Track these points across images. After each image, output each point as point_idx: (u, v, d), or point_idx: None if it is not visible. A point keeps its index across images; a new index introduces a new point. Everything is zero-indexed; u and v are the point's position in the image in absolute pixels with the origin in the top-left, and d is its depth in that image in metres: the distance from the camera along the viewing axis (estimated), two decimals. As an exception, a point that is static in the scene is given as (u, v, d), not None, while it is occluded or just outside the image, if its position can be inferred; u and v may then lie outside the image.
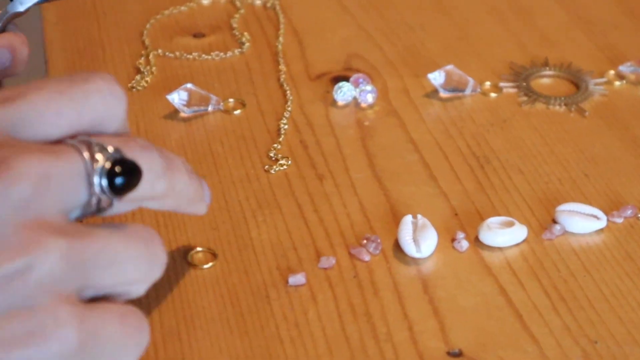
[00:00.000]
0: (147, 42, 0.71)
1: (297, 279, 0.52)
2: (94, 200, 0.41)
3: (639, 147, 0.61)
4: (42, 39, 0.72)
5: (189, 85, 0.64)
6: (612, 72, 0.67)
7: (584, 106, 0.65)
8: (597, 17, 0.73)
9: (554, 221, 0.55)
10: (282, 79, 0.67)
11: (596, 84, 0.66)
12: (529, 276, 0.52)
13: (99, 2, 0.76)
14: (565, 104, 0.65)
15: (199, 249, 0.54)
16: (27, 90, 0.42)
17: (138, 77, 0.67)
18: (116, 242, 0.41)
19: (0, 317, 0.38)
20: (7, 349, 0.38)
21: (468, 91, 0.65)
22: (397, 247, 0.53)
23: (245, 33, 0.72)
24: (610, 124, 0.63)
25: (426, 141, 0.62)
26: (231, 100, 0.65)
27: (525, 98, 0.65)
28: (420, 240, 0.53)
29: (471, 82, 0.65)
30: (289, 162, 0.60)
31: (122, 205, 0.42)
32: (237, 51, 0.70)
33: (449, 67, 0.65)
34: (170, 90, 0.64)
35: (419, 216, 0.54)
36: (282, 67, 0.68)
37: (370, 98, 0.64)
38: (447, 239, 0.54)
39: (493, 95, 0.66)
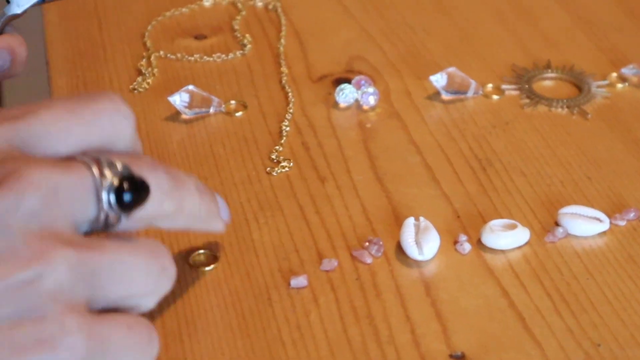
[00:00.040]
0: (148, 43, 0.71)
1: (299, 281, 0.51)
2: (102, 216, 0.42)
3: (641, 150, 0.61)
4: (43, 39, 0.72)
5: (190, 87, 0.64)
6: (614, 74, 0.67)
7: (586, 108, 0.64)
8: (600, 19, 0.73)
9: (557, 224, 0.55)
10: (283, 81, 0.67)
11: (598, 87, 0.66)
12: (532, 279, 0.52)
13: (101, 3, 0.75)
14: (568, 107, 0.65)
15: (200, 251, 0.53)
16: (37, 108, 0.42)
17: (139, 78, 0.67)
18: (125, 254, 0.42)
19: (9, 325, 0.39)
20: (17, 356, 0.39)
21: (470, 93, 0.65)
22: (400, 250, 0.53)
23: (247, 35, 0.72)
24: (613, 127, 0.63)
25: (428, 143, 0.61)
26: (233, 102, 0.65)
27: (527, 100, 0.65)
28: (423, 242, 0.53)
29: (473, 84, 0.65)
30: (291, 164, 0.60)
31: (131, 224, 0.43)
32: (238, 53, 0.70)
33: (451, 69, 0.65)
34: (172, 92, 0.64)
35: (421, 218, 0.54)
36: (284, 69, 0.68)
37: (372, 100, 0.64)
38: (450, 241, 0.54)
39: (495, 97, 0.66)
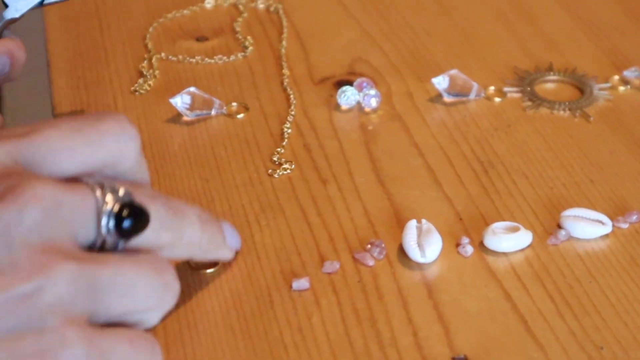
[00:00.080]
0: (149, 45, 0.71)
1: (301, 283, 0.51)
2: (99, 241, 0.42)
3: (644, 153, 0.61)
4: (44, 41, 0.72)
5: (192, 89, 0.63)
6: (616, 77, 0.67)
7: (588, 111, 0.64)
8: (602, 22, 0.73)
9: (559, 226, 0.55)
10: (285, 83, 0.67)
11: (601, 89, 0.66)
12: (534, 281, 0.52)
13: (102, 4, 0.75)
14: (570, 109, 0.64)
15: None
16: (42, 127, 0.43)
17: (141, 80, 0.67)
18: (127, 269, 0.42)
19: (10, 338, 0.39)
20: None
21: (472, 96, 0.65)
22: (402, 252, 0.53)
23: (249, 37, 0.71)
24: (615, 129, 0.63)
25: (430, 146, 0.61)
26: (234, 104, 0.65)
27: (529, 103, 0.65)
28: (425, 245, 0.52)
29: (475, 86, 0.65)
30: (293, 166, 0.59)
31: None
32: (240, 55, 0.70)
33: (453, 71, 0.65)
34: (173, 94, 0.64)
35: (424, 221, 0.54)
36: (286, 71, 0.68)
37: (374, 102, 0.64)
38: (452, 243, 0.54)
39: (497, 100, 0.65)
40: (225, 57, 0.69)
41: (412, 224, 0.54)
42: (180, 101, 0.63)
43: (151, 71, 0.68)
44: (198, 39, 0.72)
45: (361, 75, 0.67)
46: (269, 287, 0.51)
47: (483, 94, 0.66)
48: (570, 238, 0.54)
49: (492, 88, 0.66)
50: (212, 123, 0.63)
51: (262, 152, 0.61)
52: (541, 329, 0.49)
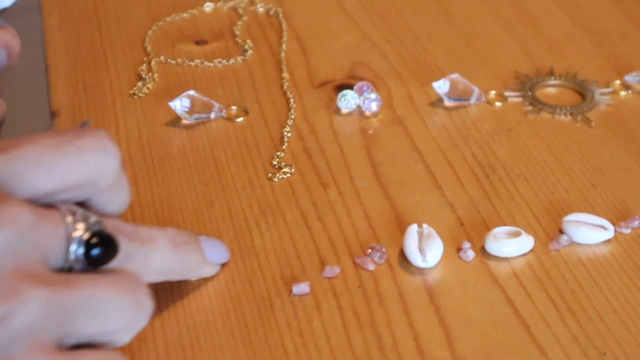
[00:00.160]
0: (149, 48, 0.70)
1: (301, 288, 0.51)
2: (67, 267, 0.41)
3: (645, 158, 0.61)
4: (43, 43, 0.71)
5: (191, 92, 0.63)
6: (617, 82, 0.67)
7: (590, 116, 0.64)
8: (603, 27, 0.73)
9: (561, 231, 0.55)
10: (285, 87, 0.66)
11: (602, 94, 0.66)
12: (536, 287, 0.51)
13: (101, 7, 0.75)
14: (571, 114, 0.64)
15: None
16: (20, 143, 0.42)
17: (140, 83, 0.67)
18: (100, 291, 0.41)
19: None
20: None
21: (473, 100, 0.65)
22: (403, 257, 0.53)
23: (248, 40, 0.71)
24: (617, 134, 0.62)
25: (431, 150, 0.61)
26: (234, 107, 0.64)
27: (530, 107, 0.65)
28: (426, 249, 0.52)
29: (476, 90, 0.65)
30: (293, 170, 0.59)
31: None
32: (239, 58, 0.69)
33: (454, 75, 0.65)
34: (172, 97, 0.63)
35: (425, 225, 0.54)
36: (285, 74, 0.68)
37: (374, 106, 0.64)
38: (453, 248, 0.54)
39: (498, 104, 0.65)
40: (224, 61, 0.69)
41: (413, 228, 0.53)
42: (179, 104, 0.63)
43: (150, 74, 0.68)
44: (197, 43, 0.71)
45: (361, 79, 0.67)
46: (269, 291, 0.51)
47: (484, 98, 0.65)
48: (572, 243, 0.54)
49: (493, 92, 0.66)
50: (211, 126, 0.63)
51: (262, 155, 0.60)
52: (543, 334, 0.49)
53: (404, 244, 0.53)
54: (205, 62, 0.69)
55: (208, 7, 0.75)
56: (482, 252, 0.53)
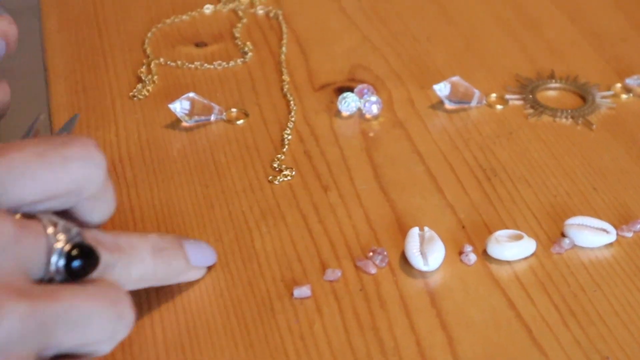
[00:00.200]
0: (148, 50, 0.70)
1: (303, 291, 0.51)
2: (46, 278, 0.41)
3: (647, 161, 0.60)
4: (42, 45, 0.71)
5: (191, 95, 0.63)
6: (618, 85, 0.67)
7: (591, 119, 0.64)
8: (604, 30, 0.73)
9: (563, 235, 0.54)
10: (285, 89, 0.66)
11: (603, 97, 0.66)
12: (538, 290, 0.51)
13: (100, 9, 0.75)
14: (572, 117, 0.64)
15: None
16: (4, 151, 0.41)
17: (139, 85, 0.66)
18: (81, 303, 0.41)
19: None
20: None
21: (474, 103, 0.65)
22: (404, 260, 0.53)
23: (248, 42, 0.71)
24: (618, 137, 0.62)
25: (432, 152, 0.61)
26: (234, 110, 0.64)
27: (531, 110, 0.65)
28: (428, 253, 0.52)
29: (477, 93, 0.65)
30: (293, 172, 0.59)
31: None
32: (239, 61, 0.69)
33: (455, 78, 0.65)
34: (172, 99, 0.63)
35: (426, 228, 0.53)
36: (286, 77, 0.67)
37: (374, 109, 0.64)
38: (455, 251, 0.53)
39: (499, 107, 0.65)
40: (224, 63, 0.69)
41: (415, 231, 0.53)
42: (179, 107, 0.62)
43: (150, 76, 0.67)
44: (197, 45, 0.71)
45: (362, 81, 0.67)
46: (270, 294, 0.51)
47: (485, 101, 0.65)
48: (574, 246, 0.54)
49: (493, 95, 0.66)
50: (211, 129, 0.63)
51: (262, 158, 0.60)
52: (546, 338, 0.48)
53: (406, 247, 0.52)
54: (205, 65, 0.69)
55: (208, 9, 0.75)
56: (484, 255, 0.53)
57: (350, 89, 0.65)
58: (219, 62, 0.69)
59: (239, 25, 0.73)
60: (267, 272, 0.52)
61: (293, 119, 0.63)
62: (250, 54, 0.70)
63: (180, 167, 0.59)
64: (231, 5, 0.75)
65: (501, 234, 0.53)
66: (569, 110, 0.64)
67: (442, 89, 0.64)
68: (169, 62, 0.69)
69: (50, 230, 0.41)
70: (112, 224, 0.55)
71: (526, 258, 0.53)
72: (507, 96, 0.66)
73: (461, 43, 0.72)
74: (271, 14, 0.75)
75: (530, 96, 0.66)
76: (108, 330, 0.41)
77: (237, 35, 0.72)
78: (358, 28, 0.73)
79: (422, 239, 0.53)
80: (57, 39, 0.72)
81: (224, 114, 0.63)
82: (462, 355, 0.47)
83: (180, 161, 0.60)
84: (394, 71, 0.68)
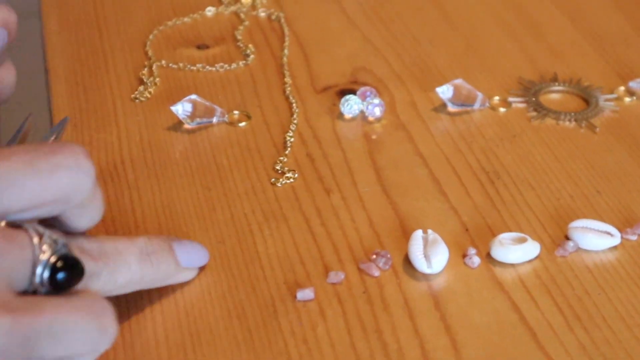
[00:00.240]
0: (150, 52, 0.70)
1: (306, 294, 0.50)
2: (31, 289, 0.41)
3: (651, 164, 0.60)
4: (43, 47, 0.71)
5: (193, 97, 0.63)
6: (622, 88, 0.67)
7: (594, 122, 0.64)
8: (607, 33, 0.72)
9: (567, 238, 0.54)
10: (287, 92, 0.66)
11: (606, 100, 0.65)
12: (543, 293, 0.51)
13: (101, 11, 0.75)
14: (576, 120, 0.64)
15: None
16: None
17: (141, 87, 0.66)
18: (64, 316, 0.40)
19: None
20: None
21: (476, 105, 0.64)
22: (407, 263, 0.52)
23: (250, 45, 0.71)
24: (622, 140, 0.62)
25: (435, 155, 0.60)
26: (236, 112, 0.64)
27: (534, 113, 0.64)
28: (431, 255, 0.52)
29: (480, 96, 0.64)
30: (296, 175, 0.59)
31: None
32: (241, 63, 0.69)
33: (458, 80, 0.64)
34: (174, 101, 0.63)
35: (430, 231, 0.53)
36: (288, 79, 0.67)
37: (377, 111, 0.63)
38: (458, 254, 0.53)
39: (502, 110, 0.65)
40: (226, 65, 0.69)
41: (418, 234, 0.53)
42: (181, 109, 0.62)
43: (152, 78, 0.67)
44: (199, 47, 0.71)
45: (364, 84, 0.67)
46: (272, 297, 0.50)
47: (488, 104, 0.65)
48: (578, 249, 0.53)
49: (496, 98, 0.65)
50: (213, 131, 0.62)
51: (264, 160, 0.60)
52: (550, 342, 0.48)
53: (409, 250, 0.52)
54: (207, 67, 0.68)
55: (209, 11, 0.75)
56: (488, 258, 0.53)
57: (353, 92, 0.65)
58: (221, 64, 0.69)
59: (241, 27, 0.73)
60: (270, 275, 0.52)
61: (295, 121, 0.63)
62: (252, 56, 0.70)
63: (182, 169, 0.59)
64: (233, 8, 0.75)
65: (505, 236, 0.53)
66: (573, 113, 0.64)
67: (445, 91, 0.64)
68: (170, 64, 0.69)
69: (35, 240, 0.41)
70: (114, 227, 0.55)
71: (530, 261, 0.53)
72: (510, 99, 0.66)
73: (463, 46, 0.71)
74: (273, 17, 0.74)
75: (534, 99, 0.65)
76: (91, 343, 0.41)
77: (239, 37, 0.72)
78: (360, 30, 0.73)
79: (425, 241, 0.53)
80: (58, 41, 0.71)
81: (226, 116, 0.63)
82: (466, 358, 0.47)
83: (182, 163, 0.60)
84: (396, 74, 0.68)
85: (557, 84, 0.67)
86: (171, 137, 0.62)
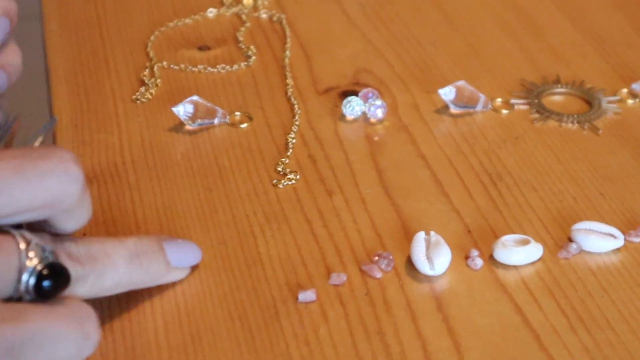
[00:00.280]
0: (151, 54, 0.70)
1: (307, 295, 0.50)
2: (15, 296, 0.41)
3: (654, 166, 0.60)
4: (44, 48, 0.70)
5: (194, 98, 0.62)
6: (625, 90, 0.66)
7: (597, 124, 0.63)
8: (609, 35, 0.72)
9: (570, 240, 0.54)
10: (289, 93, 0.66)
11: (609, 102, 0.65)
12: (546, 295, 0.50)
13: (102, 13, 0.74)
14: (579, 122, 0.63)
15: None
16: None
17: (142, 89, 0.66)
18: (49, 326, 0.40)
19: None
20: None
21: (479, 107, 0.64)
22: (410, 264, 0.52)
23: (252, 46, 0.70)
24: (625, 142, 0.62)
25: (437, 157, 0.60)
26: (238, 113, 0.64)
27: (537, 115, 0.64)
28: (434, 257, 0.51)
29: (482, 98, 0.64)
30: (298, 176, 0.58)
31: None
32: (243, 64, 0.69)
33: (460, 82, 0.64)
34: (175, 102, 0.63)
35: (432, 233, 0.53)
36: (289, 80, 0.67)
37: (379, 113, 0.63)
38: (461, 256, 0.53)
39: (504, 111, 0.64)
40: (228, 67, 0.68)
41: (421, 235, 0.53)
42: (182, 110, 0.62)
43: (153, 80, 0.67)
44: (200, 48, 0.71)
45: (366, 85, 0.66)
46: (274, 298, 0.50)
47: (490, 106, 0.65)
48: (581, 252, 0.53)
49: (499, 100, 0.65)
50: (215, 132, 0.62)
51: (266, 162, 0.60)
52: (553, 344, 0.48)
53: (412, 252, 0.52)
54: (209, 68, 0.68)
55: (211, 12, 0.74)
56: (491, 260, 0.53)
57: (355, 93, 0.65)
58: (222, 65, 0.68)
59: (243, 29, 0.73)
60: (272, 276, 0.51)
61: (297, 122, 0.63)
62: (253, 57, 0.69)
63: (183, 170, 0.59)
64: (234, 9, 0.75)
65: (508, 238, 0.53)
66: (575, 115, 0.64)
67: (447, 93, 0.64)
68: (172, 66, 0.68)
69: (22, 246, 0.41)
70: (115, 228, 0.54)
71: (533, 263, 0.52)
72: (513, 101, 0.65)
73: (465, 48, 0.71)
74: (274, 18, 0.74)
75: (536, 101, 0.65)
76: (74, 350, 0.41)
77: (240, 39, 0.71)
78: (362, 32, 0.73)
79: (428, 243, 0.52)
80: (59, 42, 0.71)
81: (228, 117, 0.63)
82: (469, 360, 0.47)
83: (183, 165, 0.59)
84: (398, 75, 0.68)
85: (559, 86, 0.67)
86: (172, 139, 0.62)
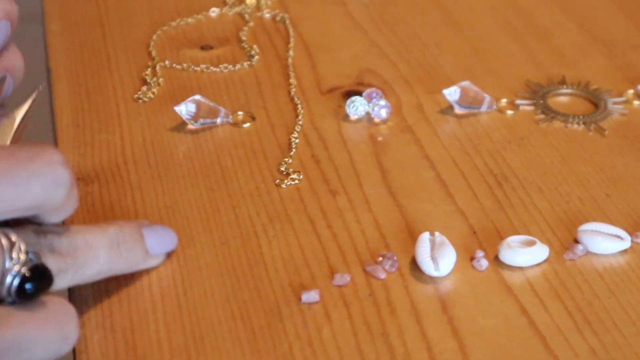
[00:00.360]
0: (153, 53, 0.69)
1: (311, 296, 0.49)
2: None
3: (660, 167, 0.59)
4: (45, 48, 0.70)
5: (197, 97, 0.62)
6: (631, 91, 0.66)
7: (603, 125, 0.63)
8: (613, 37, 0.72)
9: (576, 241, 0.53)
10: (292, 93, 0.65)
11: (615, 103, 0.65)
12: (552, 297, 0.50)
13: (104, 12, 0.74)
14: (584, 123, 0.63)
15: None
16: None
17: (144, 88, 0.65)
18: (30, 330, 0.40)
19: None
20: None
21: (484, 108, 0.64)
22: (414, 265, 0.52)
23: (255, 46, 0.70)
24: (631, 144, 0.61)
25: (442, 158, 0.60)
26: (240, 113, 0.63)
27: (542, 116, 0.64)
28: (438, 258, 0.51)
29: (487, 98, 0.64)
30: (301, 176, 0.58)
31: None
32: (246, 64, 0.68)
33: (465, 83, 0.64)
34: (178, 102, 0.62)
35: (437, 233, 0.52)
36: (293, 80, 0.66)
37: (384, 113, 0.63)
38: (466, 257, 0.52)
39: (509, 112, 0.64)
40: (230, 66, 0.68)
41: (425, 236, 0.52)
42: (185, 109, 0.61)
43: (155, 79, 0.66)
44: (203, 48, 0.70)
45: (370, 86, 0.66)
46: (277, 299, 0.49)
47: (495, 107, 0.64)
48: (587, 253, 0.53)
49: (504, 100, 0.65)
50: (217, 132, 0.62)
51: (269, 162, 0.59)
52: (560, 346, 0.47)
53: (416, 252, 0.51)
54: (211, 68, 0.68)
55: (214, 12, 0.74)
56: (496, 261, 0.52)
57: (358, 93, 0.64)
58: (225, 65, 0.68)
59: (245, 28, 0.72)
60: (275, 277, 0.51)
61: (300, 122, 0.62)
62: (256, 57, 0.69)
63: (185, 170, 0.58)
64: (237, 9, 0.74)
65: (513, 239, 0.52)
66: (581, 116, 0.63)
67: (452, 93, 0.63)
68: (174, 65, 0.68)
69: (6, 247, 0.41)
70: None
71: (539, 264, 0.52)
72: (518, 101, 0.65)
73: (469, 49, 0.71)
74: (278, 18, 0.74)
75: (541, 102, 0.65)
76: (53, 351, 0.41)
77: (243, 38, 0.71)
78: (365, 33, 0.72)
79: (432, 244, 0.52)
80: (60, 42, 0.71)
81: (230, 117, 0.62)
82: (475, 362, 0.46)
83: (185, 164, 0.59)
84: (402, 76, 0.67)
85: (565, 86, 0.66)
86: (174, 138, 0.61)
